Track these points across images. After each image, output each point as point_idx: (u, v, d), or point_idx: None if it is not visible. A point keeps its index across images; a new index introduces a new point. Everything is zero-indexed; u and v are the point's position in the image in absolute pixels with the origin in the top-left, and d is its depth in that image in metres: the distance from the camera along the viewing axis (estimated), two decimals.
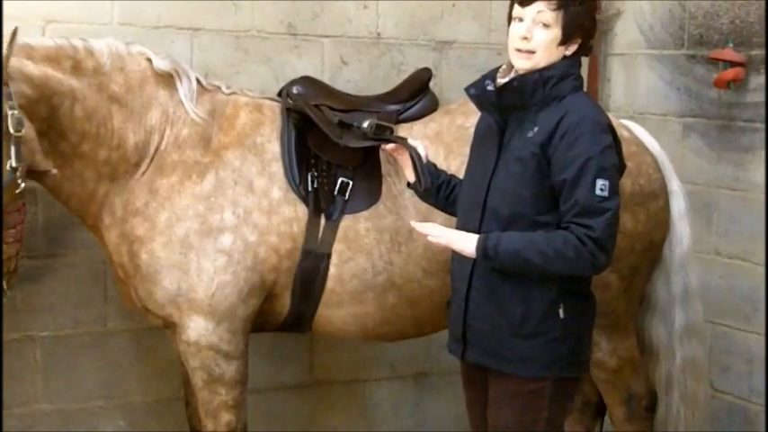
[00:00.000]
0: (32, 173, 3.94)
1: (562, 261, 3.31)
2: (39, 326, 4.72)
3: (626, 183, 4.20)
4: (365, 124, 4.09)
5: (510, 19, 3.49)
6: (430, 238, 3.56)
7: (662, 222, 4.45)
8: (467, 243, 3.45)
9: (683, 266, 4.55)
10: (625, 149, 4.23)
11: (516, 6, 3.44)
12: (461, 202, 3.70)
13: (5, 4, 4.35)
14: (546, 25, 3.38)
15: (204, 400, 4.17)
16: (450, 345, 3.76)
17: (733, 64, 5.05)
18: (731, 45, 5.10)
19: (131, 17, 4.69)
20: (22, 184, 3.79)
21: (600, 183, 3.29)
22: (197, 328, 4.06)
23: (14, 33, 3.63)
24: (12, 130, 3.66)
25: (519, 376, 3.51)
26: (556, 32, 3.39)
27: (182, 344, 4.12)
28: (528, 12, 3.39)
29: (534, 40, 3.39)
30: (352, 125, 4.17)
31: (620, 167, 3.52)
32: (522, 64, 3.43)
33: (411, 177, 3.87)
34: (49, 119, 3.86)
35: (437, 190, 3.83)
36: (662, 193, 4.45)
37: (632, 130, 4.53)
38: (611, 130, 3.45)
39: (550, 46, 3.41)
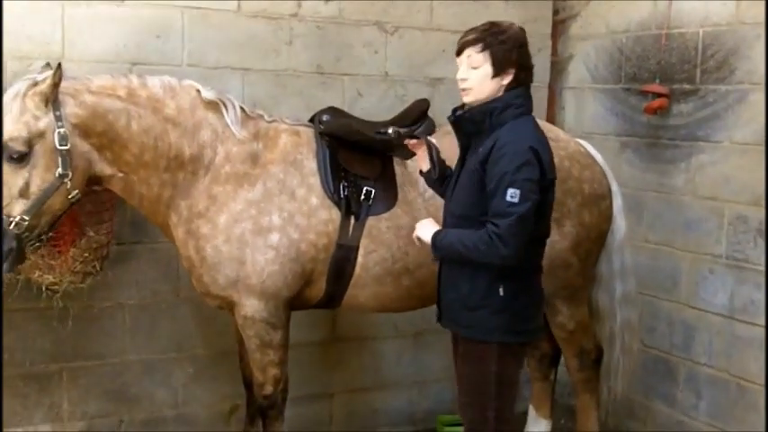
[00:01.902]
0: (101, 179, 3.94)
1: (477, 252, 3.34)
2: (126, 296, 4.75)
3: (585, 187, 4.34)
4: (390, 131, 4.05)
5: None
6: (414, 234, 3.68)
7: (609, 217, 4.51)
8: (427, 235, 3.56)
9: (621, 250, 4.63)
10: (582, 161, 4.36)
11: (456, 58, 3.52)
12: (444, 205, 3.75)
13: (100, 51, 4.47)
14: (475, 67, 3.43)
15: (256, 359, 4.18)
16: (436, 312, 3.82)
17: (659, 95, 5.06)
18: (658, 81, 5.12)
19: (197, 60, 4.72)
20: (75, 191, 3.78)
21: (510, 191, 3.29)
22: (252, 306, 4.07)
23: (59, 67, 3.66)
24: (57, 145, 3.68)
25: (470, 338, 3.57)
26: (486, 70, 3.42)
27: (240, 318, 4.12)
28: (462, 59, 3.47)
29: (470, 80, 3.45)
30: (379, 132, 4.13)
31: (547, 179, 3.45)
32: (466, 99, 3.50)
33: (425, 167, 3.86)
34: (107, 133, 3.82)
35: (442, 180, 3.83)
36: (608, 195, 4.51)
37: (586, 146, 4.57)
38: (534, 150, 3.37)
39: (483, 81, 3.43)
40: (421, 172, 3.93)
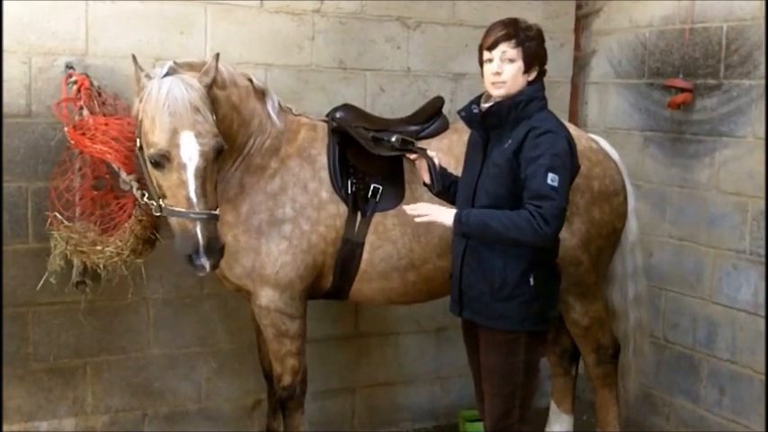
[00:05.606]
0: None
1: (516, 229, 3.36)
2: (151, 291, 4.76)
3: (595, 183, 4.31)
4: (393, 139, 4.11)
5: (482, 63, 3.59)
6: (417, 219, 3.65)
7: (622, 214, 4.48)
8: (446, 217, 3.54)
9: (633, 250, 4.61)
10: (593, 157, 4.33)
11: (485, 51, 3.55)
12: (458, 197, 3.75)
13: (124, 47, 4.43)
14: (511, 60, 3.49)
15: (274, 350, 4.20)
16: (450, 305, 3.84)
17: (682, 90, 5.03)
18: (681, 75, 5.09)
19: (220, 56, 4.66)
20: None
21: (551, 176, 3.35)
22: (267, 296, 4.10)
23: (217, 57, 3.73)
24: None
25: (499, 329, 3.60)
26: (519, 64, 3.50)
27: (256, 307, 4.16)
28: (496, 53, 3.51)
29: (504, 73, 3.50)
30: (383, 139, 4.17)
31: (575, 168, 3.57)
32: (498, 93, 3.53)
33: (427, 179, 3.90)
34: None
35: (447, 189, 3.86)
36: (622, 191, 4.48)
37: (599, 142, 4.54)
38: (568, 139, 3.50)
39: (516, 75, 3.51)
40: (424, 183, 3.97)
